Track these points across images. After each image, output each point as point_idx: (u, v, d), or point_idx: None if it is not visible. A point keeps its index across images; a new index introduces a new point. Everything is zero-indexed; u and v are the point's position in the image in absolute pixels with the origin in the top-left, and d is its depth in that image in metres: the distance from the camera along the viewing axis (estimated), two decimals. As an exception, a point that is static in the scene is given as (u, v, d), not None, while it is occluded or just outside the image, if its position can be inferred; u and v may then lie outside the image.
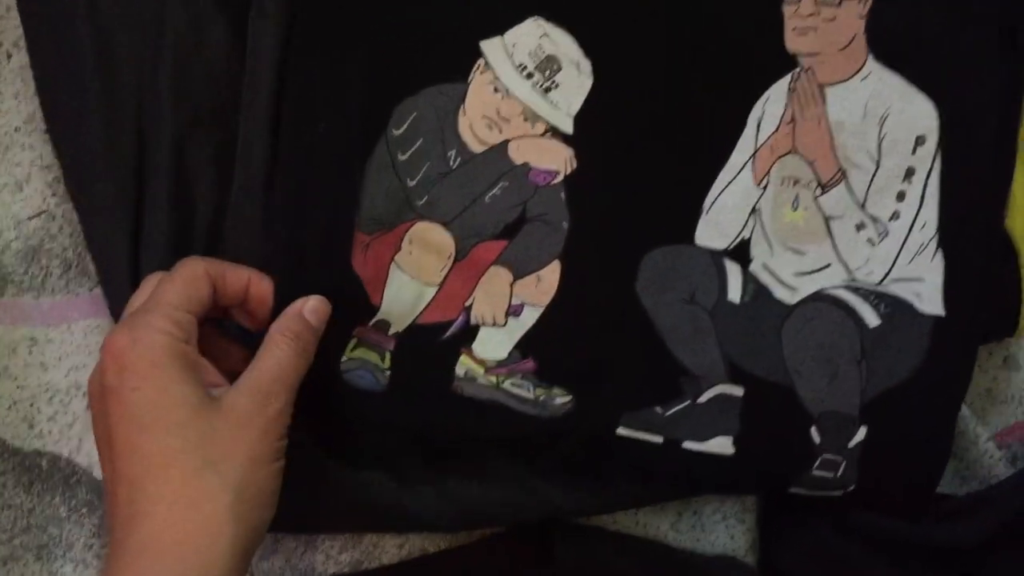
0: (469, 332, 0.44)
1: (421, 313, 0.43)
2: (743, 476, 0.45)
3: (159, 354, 0.33)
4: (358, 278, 0.43)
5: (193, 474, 0.32)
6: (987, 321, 0.46)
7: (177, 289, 0.36)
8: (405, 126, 0.43)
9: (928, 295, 0.44)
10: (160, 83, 0.43)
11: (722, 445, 0.45)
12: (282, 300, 0.40)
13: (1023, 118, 0.45)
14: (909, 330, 0.44)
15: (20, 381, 0.47)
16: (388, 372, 0.43)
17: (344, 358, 0.43)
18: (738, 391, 0.45)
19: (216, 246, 0.44)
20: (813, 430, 0.44)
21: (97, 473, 0.47)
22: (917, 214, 0.44)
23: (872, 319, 0.44)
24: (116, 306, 0.45)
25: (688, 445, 0.45)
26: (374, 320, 0.43)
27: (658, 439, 0.44)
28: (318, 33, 0.43)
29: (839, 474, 0.44)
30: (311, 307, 0.39)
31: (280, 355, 0.36)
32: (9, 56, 0.47)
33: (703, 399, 0.45)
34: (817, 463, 0.44)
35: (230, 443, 0.33)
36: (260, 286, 0.39)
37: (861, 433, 0.44)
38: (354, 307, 0.43)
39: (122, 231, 0.44)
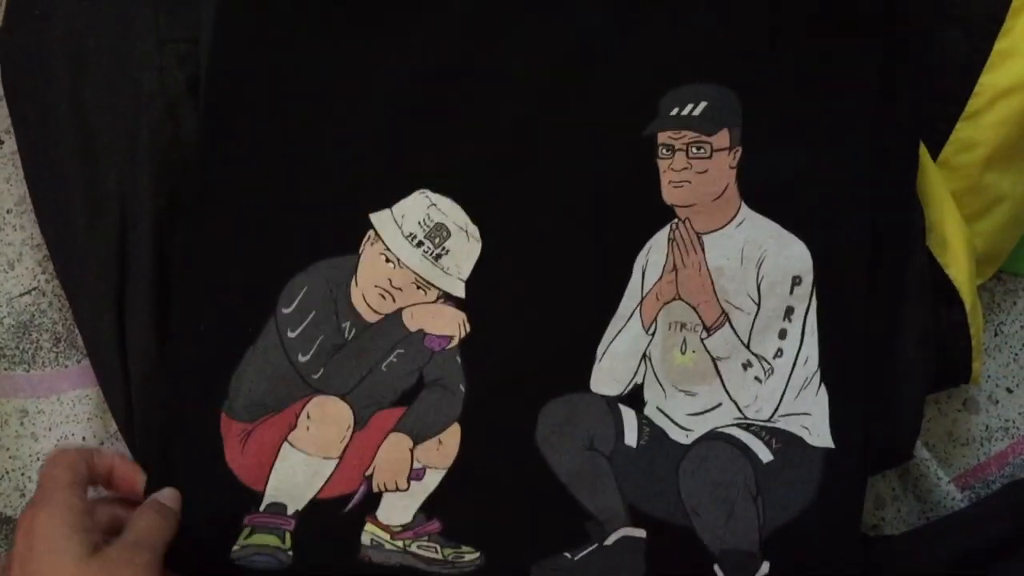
0: (372, 500, 0.45)
1: (322, 488, 0.44)
2: None
3: (52, 521, 0.40)
4: (231, 472, 0.44)
5: None
6: (874, 452, 0.47)
7: (59, 472, 0.42)
8: (295, 303, 0.45)
9: (816, 428, 0.46)
10: (139, 169, 0.45)
11: None
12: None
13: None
14: (801, 464, 0.46)
15: (12, 452, 0.49)
16: (290, 552, 0.44)
17: (237, 547, 0.44)
18: (640, 533, 0.46)
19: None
20: (716, 568, 0.46)
21: None
22: (799, 350, 0.46)
23: (765, 455, 0.46)
24: (104, 379, 0.47)
25: None
26: (264, 505, 0.44)
27: None
28: (206, 222, 0.45)
29: None
30: (166, 495, 0.44)
31: (144, 521, 0.42)
32: (1, 142, 0.49)
33: (609, 542, 0.46)
34: None
35: None
36: (124, 467, 0.44)
37: (765, 567, 0.46)
38: (233, 500, 0.44)
39: (107, 309, 0.45)
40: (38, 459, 0.49)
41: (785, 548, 0.45)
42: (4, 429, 0.49)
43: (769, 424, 0.46)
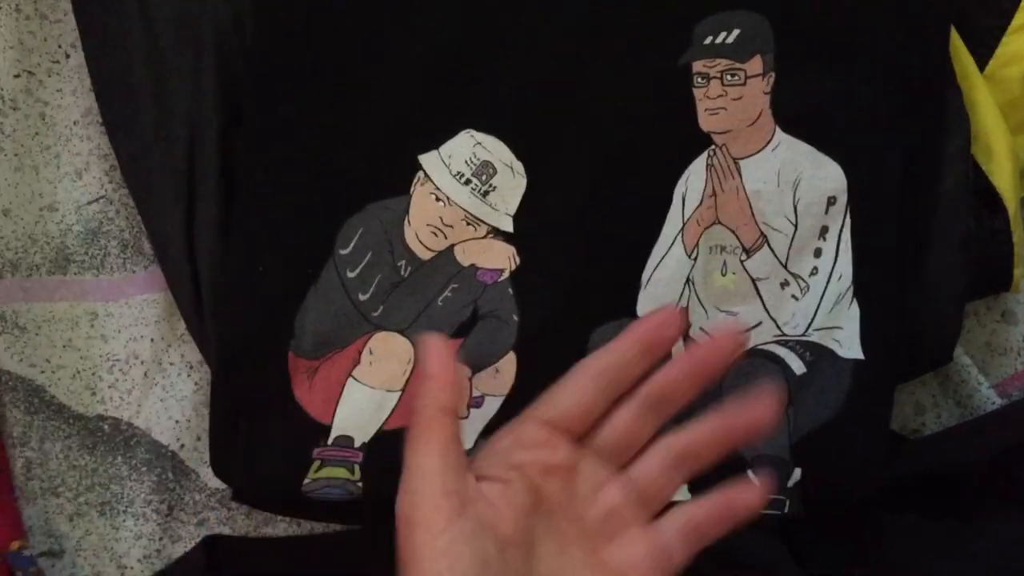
0: None
1: (387, 420, 0.46)
2: None
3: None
4: (300, 407, 0.46)
5: None
6: (903, 361, 0.50)
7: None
8: (352, 244, 0.46)
9: (847, 341, 0.48)
10: (205, 79, 0.46)
11: (682, 492, 0.49)
12: (217, 438, 0.45)
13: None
14: (831, 374, 0.48)
15: (83, 352, 0.51)
16: (359, 483, 0.46)
17: (308, 480, 0.46)
18: None
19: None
20: (751, 473, 0.48)
21: (155, 434, 0.50)
22: (833, 267, 0.48)
23: (798, 367, 0.48)
24: (175, 286, 0.48)
25: None
26: (332, 438, 0.46)
27: None
28: (257, 166, 0.46)
29: (786, 511, 0.48)
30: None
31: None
32: (67, 56, 0.50)
33: None
34: None
35: None
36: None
37: (797, 474, 0.48)
38: (303, 434, 0.46)
39: (177, 215, 0.47)
40: (107, 360, 0.50)
41: (814, 454, 0.48)
42: (75, 331, 0.50)
43: (803, 338, 0.49)
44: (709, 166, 0.48)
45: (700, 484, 0.48)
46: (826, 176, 0.48)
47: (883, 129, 0.48)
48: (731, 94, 0.47)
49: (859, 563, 0.49)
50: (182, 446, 0.50)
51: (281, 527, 0.51)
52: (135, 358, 0.51)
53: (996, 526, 0.49)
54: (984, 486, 0.50)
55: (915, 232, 0.49)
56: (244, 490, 0.46)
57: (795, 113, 0.47)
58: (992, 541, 0.49)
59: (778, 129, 0.48)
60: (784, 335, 0.49)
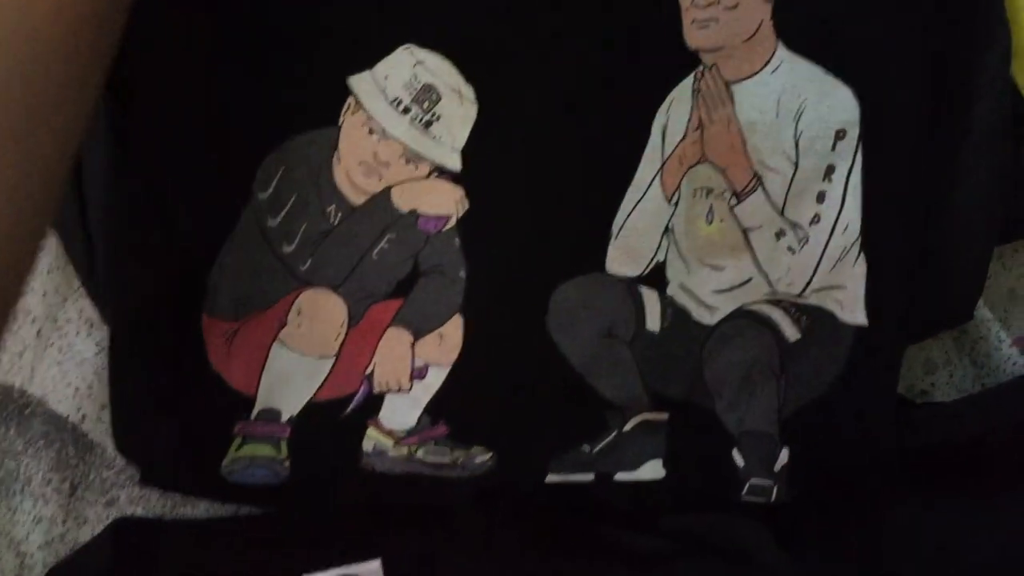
0: (373, 402, 0.41)
1: (318, 390, 0.41)
2: (676, 498, 0.44)
3: None
4: (218, 376, 0.40)
5: None
6: (913, 324, 0.44)
7: None
8: (272, 186, 0.39)
9: (850, 304, 0.42)
10: None
11: (653, 470, 0.44)
12: (120, 412, 0.40)
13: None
14: (829, 342, 0.43)
15: None
16: (287, 462, 0.41)
17: (227, 460, 0.41)
18: (663, 416, 0.43)
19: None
20: (735, 452, 0.43)
21: (52, 404, 0.45)
22: (839, 216, 0.42)
23: (792, 333, 0.43)
24: (63, 231, 0.42)
25: (620, 477, 0.43)
26: (256, 412, 0.40)
27: (589, 476, 0.43)
28: (157, 93, 0.38)
29: (773, 499, 0.43)
30: None
31: None
32: None
33: (628, 427, 0.43)
34: (746, 489, 0.43)
35: None
36: None
37: (784, 456, 0.43)
38: (222, 407, 0.40)
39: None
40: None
41: (806, 431, 0.43)
42: None
43: (799, 300, 0.42)
44: (696, 91, 0.41)
45: (681, 456, 0.43)
46: (835, 104, 0.41)
47: (905, 46, 0.41)
48: (724, 2, 0.40)
49: (858, 546, 0.44)
50: (83, 417, 0.45)
51: (202, 507, 0.45)
52: (25, 315, 0.44)
53: (1018, 504, 0.43)
54: (1004, 459, 0.44)
55: (940, 169, 0.42)
56: (153, 471, 0.41)
57: (803, 27, 0.40)
58: (1013, 521, 0.44)
59: (780, 46, 0.41)
60: (776, 293, 0.42)
